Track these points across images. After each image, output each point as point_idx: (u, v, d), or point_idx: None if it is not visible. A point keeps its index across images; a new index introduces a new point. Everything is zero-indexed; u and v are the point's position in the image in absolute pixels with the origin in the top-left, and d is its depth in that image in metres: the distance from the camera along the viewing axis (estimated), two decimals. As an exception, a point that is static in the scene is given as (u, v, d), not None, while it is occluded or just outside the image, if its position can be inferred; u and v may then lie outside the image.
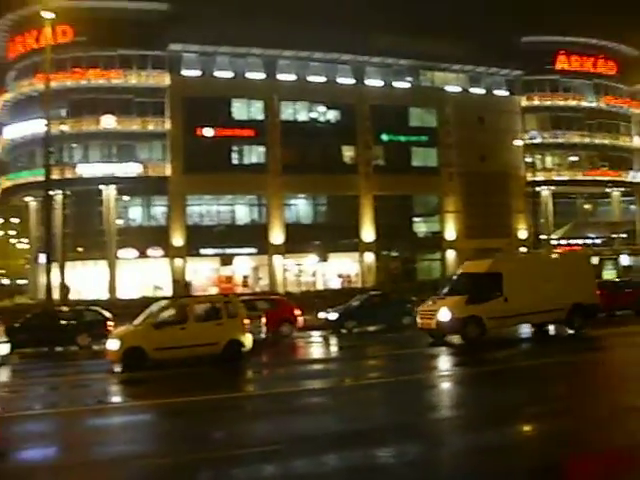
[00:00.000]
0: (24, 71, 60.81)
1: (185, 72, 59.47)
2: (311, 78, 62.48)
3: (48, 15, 33.68)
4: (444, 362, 23.85)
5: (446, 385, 19.36)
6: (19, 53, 61.06)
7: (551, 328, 29.32)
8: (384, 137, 64.59)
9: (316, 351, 31.81)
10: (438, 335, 26.74)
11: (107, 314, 32.11)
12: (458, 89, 67.71)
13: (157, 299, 30.70)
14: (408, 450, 12.10)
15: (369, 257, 63.23)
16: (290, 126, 61.37)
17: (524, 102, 70.11)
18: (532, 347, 26.92)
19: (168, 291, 55.59)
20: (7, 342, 26.84)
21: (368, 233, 63.01)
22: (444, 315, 26.02)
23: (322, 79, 62.74)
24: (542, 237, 66.47)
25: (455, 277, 30.10)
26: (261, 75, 61.12)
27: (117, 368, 22.68)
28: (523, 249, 63.51)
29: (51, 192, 39.94)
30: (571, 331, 27.73)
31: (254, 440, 13.22)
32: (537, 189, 69.66)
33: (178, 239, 58.39)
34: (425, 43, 60.03)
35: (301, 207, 64.16)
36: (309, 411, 16.15)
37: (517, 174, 68.48)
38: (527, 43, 67.73)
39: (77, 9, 52.59)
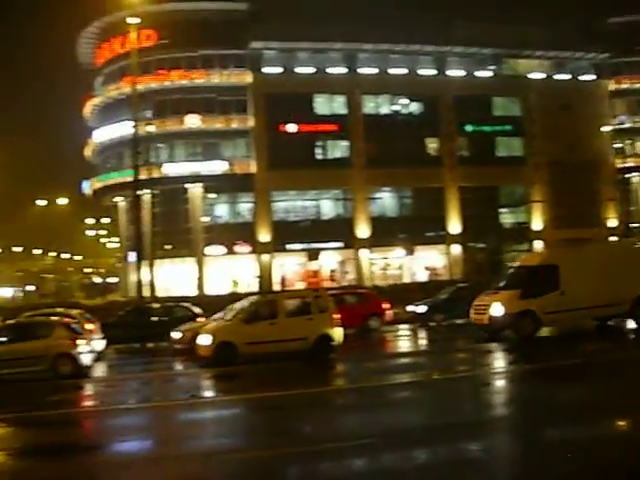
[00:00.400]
0: (111, 76, 62.38)
1: (266, 69, 59.95)
2: (392, 71, 62.10)
3: (133, 20, 34.40)
4: (527, 357, 22.71)
5: (529, 379, 18.74)
6: (106, 59, 62.62)
7: (615, 322, 27.33)
8: (468, 128, 63.88)
9: (404, 344, 31.67)
10: (491, 330, 25.80)
11: (197, 310, 32.59)
12: (542, 76, 66.33)
13: (246, 295, 30.94)
14: (497, 444, 11.97)
15: (456, 249, 62.64)
16: (373, 120, 61.20)
17: (612, 86, 67.97)
18: (595, 343, 24.89)
19: (250, 287, 56.19)
20: (103, 338, 27.57)
21: (454, 225, 62.45)
22: (496, 310, 25.13)
23: (403, 71, 62.32)
24: (633, 225, 64.76)
25: (511, 270, 28.86)
26: (342, 69, 61.14)
27: (208, 363, 22.88)
28: (613, 238, 61.90)
29: (139, 192, 40.67)
30: (636, 325, 26.10)
31: (345, 434, 13.20)
32: (627, 176, 67.99)
33: (264, 235, 58.87)
34: (507, 30, 59.02)
35: (386, 200, 63.92)
36: (399, 405, 16.08)
37: (606, 161, 66.70)
38: (613, 24, 65.81)
39: (160, 13, 53.89)
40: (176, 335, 27.54)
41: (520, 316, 24.71)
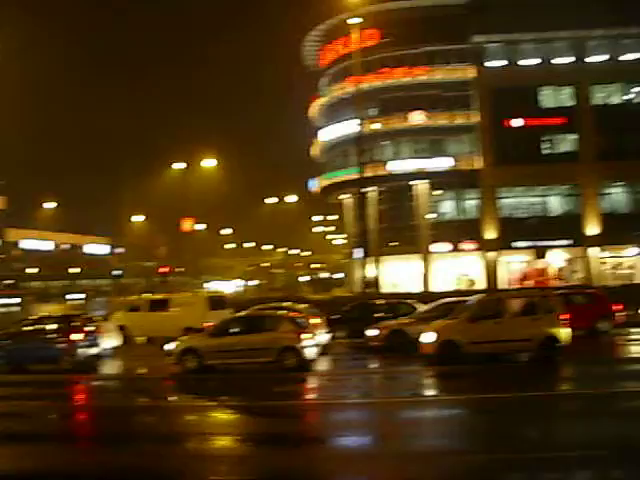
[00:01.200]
0: (335, 76, 63.78)
1: (490, 63, 58.84)
2: (624, 57, 58.63)
3: (354, 21, 35.11)
4: None
5: None
6: (330, 60, 64.12)
7: None
8: None
9: (636, 349, 29.96)
10: None
11: (420, 307, 32.49)
12: None
13: (471, 293, 30.51)
14: None
15: (694, 247, 58.54)
16: (603, 111, 58.15)
17: None
18: None
19: (477, 284, 55.58)
20: (327, 333, 28.14)
21: (693, 221, 58.37)
22: None
23: (637, 56, 58.73)
24: None
25: None
26: (569, 59, 58.76)
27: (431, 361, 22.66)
28: None
29: (365, 189, 41.32)
30: None
31: (569, 443, 12.61)
32: None
33: (490, 232, 57.96)
34: None
35: (618, 196, 60.71)
36: (630, 415, 15.04)
37: None
38: None
39: (381, 12, 54.56)
40: (372, 332, 27.61)
41: None
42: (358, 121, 37.40)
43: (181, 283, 75.17)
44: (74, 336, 25.48)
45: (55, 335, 25.78)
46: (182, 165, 64.51)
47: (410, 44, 57.90)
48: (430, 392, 20.22)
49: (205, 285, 79.27)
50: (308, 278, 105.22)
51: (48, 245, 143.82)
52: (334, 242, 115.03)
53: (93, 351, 26.27)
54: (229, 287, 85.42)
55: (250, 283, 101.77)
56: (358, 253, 51.58)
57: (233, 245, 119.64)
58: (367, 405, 17.50)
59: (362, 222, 40.19)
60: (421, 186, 59.33)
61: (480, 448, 12.42)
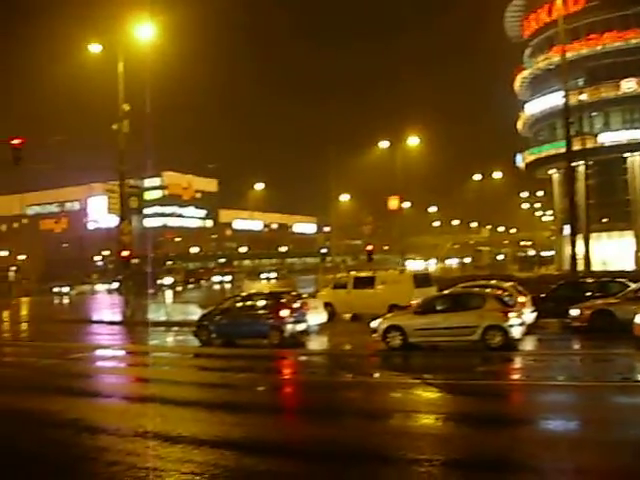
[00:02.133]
0: (539, 46, 62.30)
1: None
2: None
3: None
4: None
5: None
6: (533, 30, 62.72)
7: None
8: None
9: None
10: None
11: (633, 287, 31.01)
12: None
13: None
14: None
15: None
16: None
17: None
18: None
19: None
20: (534, 311, 27.47)
21: None
22: None
23: None
24: None
25: None
26: None
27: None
28: None
29: (573, 163, 39.99)
30: None
31: None
32: None
33: None
34: None
35: None
36: None
37: None
38: None
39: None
40: (574, 312, 26.54)
41: None
42: (564, 92, 36.01)
43: (378, 261, 75.55)
44: (282, 312, 26.32)
45: (264, 311, 26.79)
46: (387, 143, 64.95)
47: (619, 6, 55.12)
48: (644, 377, 19.20)
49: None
50: (514, 255, 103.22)
51: (257, 225, 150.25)
52: (542, 219, 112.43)
53: (300, 327, 27.02)
54: (424, 265, 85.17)
55: (448, 262, 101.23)
56: (566, 230, 50.11)
57: (438, 223, 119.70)
58: (574, 388, 16.83)
59: (570, 198, 38.75)
60: (635, 158, 56.76)
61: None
